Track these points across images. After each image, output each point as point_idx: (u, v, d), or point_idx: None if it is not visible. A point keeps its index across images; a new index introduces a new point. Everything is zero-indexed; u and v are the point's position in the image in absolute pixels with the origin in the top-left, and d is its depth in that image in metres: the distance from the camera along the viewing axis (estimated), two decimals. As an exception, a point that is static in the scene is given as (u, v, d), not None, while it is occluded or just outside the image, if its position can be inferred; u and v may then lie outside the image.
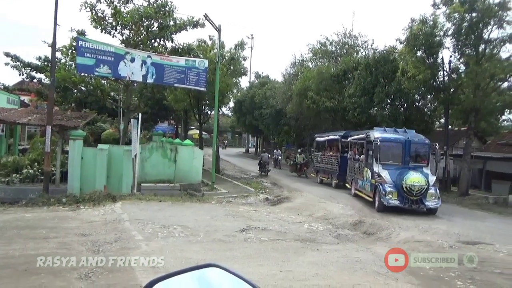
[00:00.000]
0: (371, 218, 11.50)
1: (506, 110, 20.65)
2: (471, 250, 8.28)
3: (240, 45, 22.19)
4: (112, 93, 24.53)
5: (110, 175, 13.64)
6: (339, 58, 27.72)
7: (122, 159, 13.81)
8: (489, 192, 18.85)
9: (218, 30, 17.73)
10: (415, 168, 12.98)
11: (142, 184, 14.07)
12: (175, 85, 16.47)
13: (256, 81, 41.40)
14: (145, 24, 16.17)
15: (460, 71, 18.00)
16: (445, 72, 18.31)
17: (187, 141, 18.80)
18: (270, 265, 6.42)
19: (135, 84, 17.59)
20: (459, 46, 17.02)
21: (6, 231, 7.95)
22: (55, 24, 12.71)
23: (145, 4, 16.05)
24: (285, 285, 5.44)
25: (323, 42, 28.89)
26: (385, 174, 12.98)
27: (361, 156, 15.73)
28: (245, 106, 37.53)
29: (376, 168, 13.29)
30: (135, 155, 13.55)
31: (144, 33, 16.38)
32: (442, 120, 22.46)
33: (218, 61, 18.19)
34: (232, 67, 22.22)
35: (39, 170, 13.47)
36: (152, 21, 16.28)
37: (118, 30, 16.12)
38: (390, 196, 12.47)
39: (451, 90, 17.94)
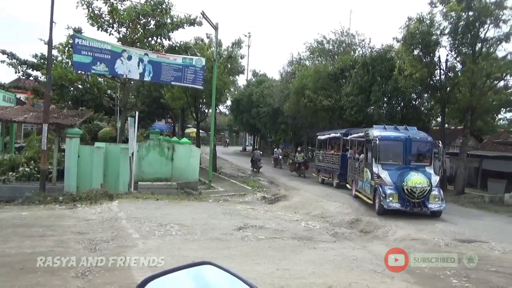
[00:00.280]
0: (368, 217, 11.54)
1: (502, 109, 20.73)
2: (467, 248, 8.34)
3: (238, 43, 22.19)
4: (109, 91, 24.47)
5: (107, 174, 13.62)
6: (336, 57, 27.76)
7: (119, 158, 13.79)
8: (485, 191, 18.91)
9: (215, 28, 17.70)
10: (417, 168, 12.19)
11: (139, 183, 14.05)
12: (172, 83, 16.43)
13: (254, 80, 41.39)
14: (142, 22, 16.12)
15: (457, 70, 18.04)
16: (441, 71, 18.36)
17: (184, 140, 18.77)
18: (267, 263, 6.43)
19: (132, 82, 17.56)
20: (455, 45, 17.07)
21: (2, 229, 7.94)
22: (51, 21, 12.67)
23: (142, 1, 16.05)
24: (282, 283, 5.45)
25: (321, 41, 28.99)
26: (385, 175, 12.20)
27: (361, 156, 15.04)
28: (242, 105, 37.53)
29: (376, 168, 12.50)
30: (132, 154, 13.53)
31: (141, 31, 16.33)
32: (439, 119, 22.52)
33: (216, 59, 18.16)
34: (229, 65, 22.21)
35: (36, 168, 13.43)
36: (149, 19, 16.23)
37: (115, 28, 16.06)
38: (391, 198, 11.67)
39: (448, 88, 17.98)
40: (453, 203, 15.72)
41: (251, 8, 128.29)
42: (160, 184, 14.40)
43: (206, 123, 36.78)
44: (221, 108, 42.27)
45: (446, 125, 21.92)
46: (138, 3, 16.01)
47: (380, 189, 12.00)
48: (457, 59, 17.79)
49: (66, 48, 16.44)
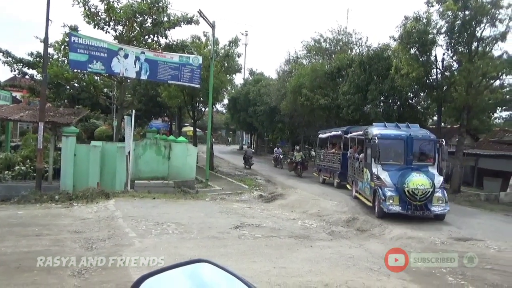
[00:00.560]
0: (364, 215, 11.57)
1: (498, 108, 20.89)
2: (462, 246, 8.39)
3: (234, 42, 22.13)
4: (105, 90, 24.36)
5: (104, 172, 13.57)
6: (333, 55, 27.78)
7: (115, 156, 13.75)
8: (480, 189, 19.00)
9: (212, 26, 17.66)
10: (419, 168, 11.42)
11: (135, 181, 14.02)
12: (169, 81, 16.40)
13: (250, 78, 41.38)
14: (138, 20, 16.07)
15: (453, 69, 18.08)
16: (438, 70, 18.39)
17: (181, 138, 18.74)
18: (263, 261, 6.45)
19: (128, 81, 17.50)
20: (452, 44, 17.10)
21: (-2, 228, 7.90)
22: (47, 19, 12.58)
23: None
24: (279, 282, 5.46)
25: (318, 39, 28.98)
26: (384, 176, 11.40)
27: (361, 155, 14.28)
28: (239, 103, 37.52)
29: (375, 169, 11.69)
30: (129, 152, 13.49)
31: (138, 29, 16.29)
32: (435, 118, 22.58)
33: (212, 57, 18.13)
34: (226, 64, 22.15)
35: (32, 167, 13.37)
36: (146, 17, 16.19)
37: (111, 26, 16.01)
38: (391, 201, 10.88)
39: (444, 87, 18.02)
40: (449, 201, 15.78)
41: (248, 6, 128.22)
42: (157, 183, 14.37)
43: (203, 122, 36.74)
44: (218, 106, 42.23)
45: (443, 124, 21.98)
46: (134, 1, 15.97)
47: (380, 191, 11.23)
48: (454, 58, 17.83)
49: (62, 46, 16.35)
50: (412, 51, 17.31)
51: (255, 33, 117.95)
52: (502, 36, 16.01)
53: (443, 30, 16.97)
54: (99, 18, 15.70)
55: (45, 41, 13.02)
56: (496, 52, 16.81)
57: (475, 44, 16.57)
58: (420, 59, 17.25)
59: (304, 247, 7.66)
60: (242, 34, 43.55)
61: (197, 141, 27.43)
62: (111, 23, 15.92)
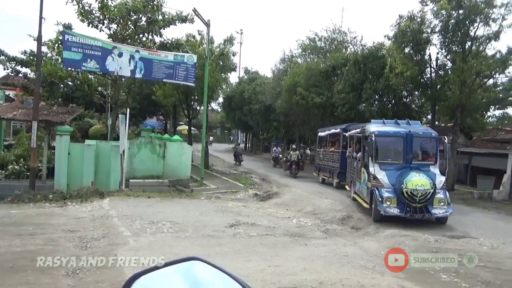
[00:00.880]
0: (359, 213, 11.61)
1: (491, 106, 21.00)
2: (456, 244, 8.46)
3: (229, 40, 22.08)
4: (99, 88, 24.22)
5: (98, 171, 13.52)
6: (328, 54, 27.82)
7: (110, 155, 13.69)
8: (474, 187, 19.17)
9: (207, 25, 17.62)
10: (419, 168, 10.63)
11: (130, 180, 13.98)
12: (164, 80, 16.34)
13: (246, 77, 41.29)
14: (133, 18, 16.01)
15: (447, 68, 18.16)
16: (432, 69, 18.48)
17: (176, 137, 18.71)
18: (258, 260, 6.46)
19: (123, 79, 17.43)
20: (446, 43, 17.18)
21: (-8, 228, 7.85)
22: (41, 17, 12.50)
23: (133, -2, 15.90)
24: (274, 280, 5.47)
25: (313, 38, 29.01)
26: (382, 176, 10.62)
27: (358, 154, 13.59)
28: (234, 102, 37.45)
29: (372, 168, 10.94)
30: (123, 151, 13.44)
31: (132, 27, 16.22)
32: (429, 116, 22.71)
33: (207, 56, 18.09)
34: (221, 63, 22.11)
35: (25, 166, 13.30)
36: (140, 15, 16.13)
37: (105, 24, 15.93)
38: (388, 203, 10.10)
39: (438, 86, 18.11)
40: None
41: (243, 5, 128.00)
42: (152, 182, 14.35)
43: (198, 121, 36.66)
44: (213, 105, 42.21)
45: (436, 122, 22.09)
46: (129, -1, 15.89)
47: (377, 192, 10.45)
48: (448, 57, 17.92)
49: (56, 45, 16.26)
50: (407, 50, 17.37)
51: (250, 31, 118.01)
52: (496, 35, 16.10)
53: (437, 29, 17.04)
54: (93, 16, 15.62)
55: (39, 39, 12.93)
56: (489, 51, 16.93)
57: (468, 43, 16.66)
58: (415, 58, 17.32)
59: (299, 246, 7.69)
60: (237, 32, 43.55)
61: (192, 140, 27.39)
62: (105, 21, 15.84)
